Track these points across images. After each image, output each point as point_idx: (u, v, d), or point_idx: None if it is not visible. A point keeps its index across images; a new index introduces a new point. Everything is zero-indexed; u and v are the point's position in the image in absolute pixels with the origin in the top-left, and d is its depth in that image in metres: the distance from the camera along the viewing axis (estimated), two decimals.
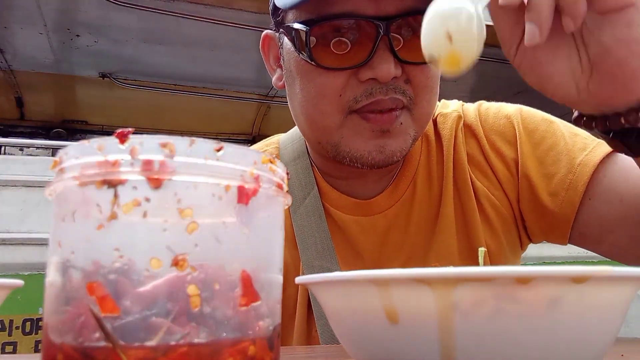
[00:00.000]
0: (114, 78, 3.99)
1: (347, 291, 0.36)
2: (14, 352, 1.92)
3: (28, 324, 1.97)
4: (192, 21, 3.18)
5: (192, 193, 0.30)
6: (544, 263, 2.42)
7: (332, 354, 0.57)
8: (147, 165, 0.29)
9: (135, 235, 0.30)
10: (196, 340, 0.29)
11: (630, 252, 0.73)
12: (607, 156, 0.73)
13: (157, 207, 0.29)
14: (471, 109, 0.85)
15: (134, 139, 0.30)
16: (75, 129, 4.57)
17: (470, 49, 0.47)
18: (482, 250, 0.63)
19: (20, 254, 2.00)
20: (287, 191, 0.36)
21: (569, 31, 0.51)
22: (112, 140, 0.30)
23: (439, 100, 0.88)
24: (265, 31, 0.81)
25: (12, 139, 3.82)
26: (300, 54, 0.69)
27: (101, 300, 0.28)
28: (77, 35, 3.45)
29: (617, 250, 0.75)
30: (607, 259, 0.77)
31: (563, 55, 0.54)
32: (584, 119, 0.58)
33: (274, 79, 0.80)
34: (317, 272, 0.76)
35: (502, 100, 0.87)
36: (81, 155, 0.31)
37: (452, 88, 3.81)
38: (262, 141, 0.96)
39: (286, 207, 0.36)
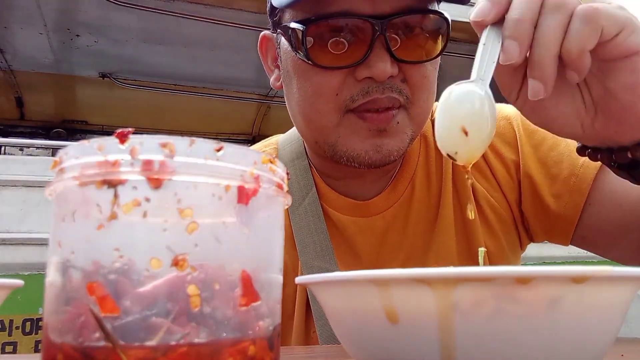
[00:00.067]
0: (114, 78, 3.99)
1: (347, 291, 0.36)
2: (14, 352, 1.92)
3: (28, 324, 1.97)
4: (192, 21, 3.18)
5: (192, 193, 0.30)
6: (544, 263, 2.42)
7: (332, 354, 0.57)
8: (147, 165, 0.29)
9: (135, 235, 0.30)
10: (196, 340, 0.29)
11: (631, 257, 0.73)
12: None
13: (157, 207, 0.29)
14: None
15: (134, 139, 0.30)
16: (75, 129, 4.57)
17: (486, 136, 0.47)
18: (482, 250, 0.63)
19: (20, 254, 2.00)
20: (287, 191, 0.36)
21: (573, 82, 0.51)
22: (112, 140, 0.30)
23: (438, 101, 0.88)
24: (263, 32, 0.81)
25: (12, 139, 3.82)
26: (297, 54, 0.69)
27: (101, 300, 0.28)
28: (77, 35, 3.45)
29: (617, 254, 0.75)
30: (608, 259, 0.77)
31: (566, 97, 0.53)
32: (589, 150, 0.58)
33: (271, 79, 0.81)
34: (316, 273, 0.76)
35: (502, 101, 0.87)
36: (81, 155, 0.31)
37: None
38: (260, 142, 0.96)
39: (286, 207, 0.36)
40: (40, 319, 1.97)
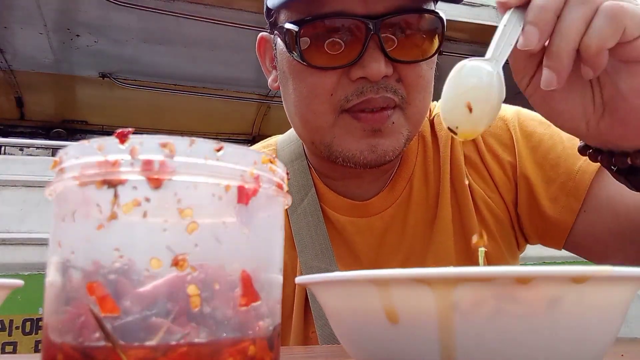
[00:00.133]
0: (114, 78, 3.99)
1: (347, 291, 0.36)
2: (14, 352, 1.92)
3: (28, 324, 1.97)
4: (192, 21, 3.18)
5: (192, 193, 0.30)
6: (544, 263, 2.42)
7: (332, 354, 0.57)
8: (147, 165, 0.29)
9: (135, 235, 0.30)
10: (196, 340, 0.29)
11: (623, 264, 0.73)
12: None
13: (157, 207, 0.29)
14: None
15: (134, 139, 0.30)
16: (75, 129, 4.57)
17: (489, 115, 0.47)
18: (482, 250, 0.63)
19: (20, 254, 2.00)
20: (287, 191, 0.36)
21: (587, 78, 0.50)
22: (112, 140, 0.30)
23: (437, 101, 0.87)
24: (261, 33, 0.81)
25: (12, 139, 3.82)
26: (292, 54, 0.69)
27: (101, 300, 0.28)
28: (77, 35, 3.45)
29: (610, 262, 0.75)
30: None
31: (576, 93, 0.53)
32: (590, 150, 0.58)
33: (269, 80, 0.81)
34: (316, 273, 0.76)
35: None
36: (81, 155, 0.31)
37: None
38: (259, 143, 0.96)
39: (286, 207, 0.36)
40: (40, 319, 1.97)
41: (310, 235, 0.79)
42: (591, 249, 0.76)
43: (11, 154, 3.39)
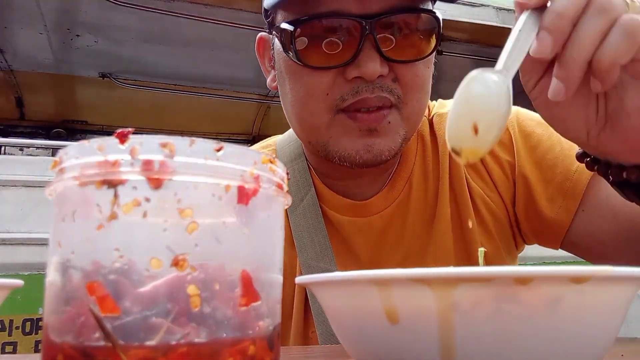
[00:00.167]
0: (114, 78, 3.99)
1: (347, 291, 0.36)
2: (14, 352, 1.92)
3: (28, 324, 1.97)
4: (192, 21, 3.18)
5: (192, 193, 0.30)
6: (544, 263, 2.42)
7: (332, 354, 0.57)
8: (147, 165, 0.29)
9: (135, 235, 0.30)
10: (196, 340, 0.29)
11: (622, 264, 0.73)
12: None
13: (157, 207, 0.29)
14: None
15: (134, 139, 0.30)
16: (75, 129, 4.57)
17: (494, 138, 0.45)
18: (481, 250, 0.63)
19: (20, 254, 2.00)
20: (287, 191, 0.36)
21: (595, 91, 0.49)
22: (112, 140, 0.30)
23: (436, 100, 0.87)
24: (260, 33, 0.81)
25: (12, 139, 3.82)
26: (288, 54, 0.69)
27: (101, 300, 0.28)
28: (77, 35, 3.45)
29: (609, 262, 0.75)
30: None
31: (581, 102, 0.53)
32: (588, 159, 0.58)
33: (268, 80, 0.81)
34: (315, 273, 0.76)
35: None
36: (81, 155, 0.31)
37: (450, 88, 3.81)
38: (258, 143, 0.96)
39: (286, 207, 0.36)
40: (40, 319, 1.97)
41: (310, 235, 0.79)
42: (590, 249, 0.76)
43: (11, 154, 3.39)
